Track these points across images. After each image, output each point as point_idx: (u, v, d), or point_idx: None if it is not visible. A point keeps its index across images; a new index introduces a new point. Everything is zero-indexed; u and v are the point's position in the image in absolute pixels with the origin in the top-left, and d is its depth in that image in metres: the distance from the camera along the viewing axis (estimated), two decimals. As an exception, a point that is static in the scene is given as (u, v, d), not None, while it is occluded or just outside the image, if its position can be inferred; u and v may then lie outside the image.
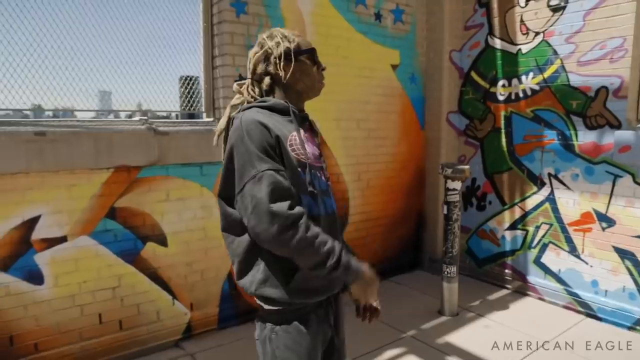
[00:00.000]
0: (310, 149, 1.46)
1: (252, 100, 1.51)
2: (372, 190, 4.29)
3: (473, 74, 4.35)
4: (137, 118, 3.20)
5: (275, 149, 1.36)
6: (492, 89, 4.20)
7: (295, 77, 1.48)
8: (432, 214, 4.63)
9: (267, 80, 1.50)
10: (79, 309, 2.84)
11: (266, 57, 1.49)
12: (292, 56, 1.46)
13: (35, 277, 2.69)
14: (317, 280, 1.39)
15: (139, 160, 2.95)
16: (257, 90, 1.53)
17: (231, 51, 3.28)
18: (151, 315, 3.11)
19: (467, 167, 3.44)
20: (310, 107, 3.70)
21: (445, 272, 3.60)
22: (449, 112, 4.48)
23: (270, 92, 1.52)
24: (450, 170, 3.42)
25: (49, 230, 2.71)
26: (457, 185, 3.46)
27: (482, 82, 4.28)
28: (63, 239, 2.76)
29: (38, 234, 2.68)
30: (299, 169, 1.39)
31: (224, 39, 3.28)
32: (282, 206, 1.30)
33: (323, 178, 1.48)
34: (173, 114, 3.47)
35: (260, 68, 1.50)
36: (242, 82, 1.57)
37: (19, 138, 2.57)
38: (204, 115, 3.47)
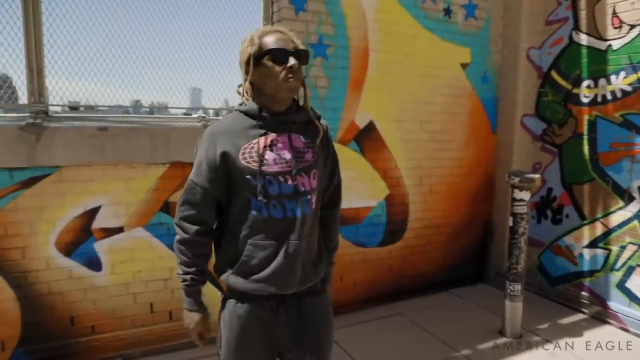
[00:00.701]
0: (273, 155, 1.50)
1: (245, 102, 1.56)
2: (435, 196, 4.06)
3: (553, 74, 3.95)
4: (195, 115, 3.29)
5: (215, 163, 1.49)
6: (575, 90, 3.78)
7: (261, 81, 1.50)
8: (500, 224, 4.28)
9: (246, 84, 1.54)
10: (132, 297, 2.97)
11: (240, 64, 1.55)
12: (251, 61, 1.48)
13: (94, 263, 2.85)
14: (254, 274, 1.52)
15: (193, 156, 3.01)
16: (249, 92, 1.56)
17: (288, 49, 3.24)
18: (200, 308, 3.17)
19: (537, 176, 3.12)
20: (371, 107, 3.60)
21: (509, 290, 3.29)
22: (524, 114, 4.11)
23: (254, 95, 1.56)
24: (518, 179, 3.12)
25: (107, 221, 2.85)
26: (526, 195, 3.14)
27: (563, 83, 3.87)
28: (120, 230, 2.90)
29: (98, 223, 2.83)
30: (249, 176, 1.47)
31: (282, 37, 3.25)
32: (182, 210, 1.55)
33: (289, 182, 1.51)
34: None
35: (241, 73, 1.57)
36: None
37: (83, 132, 2.73)
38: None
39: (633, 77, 3.38)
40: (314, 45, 3.34)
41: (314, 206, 1.57)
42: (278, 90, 1.48)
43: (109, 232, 2.87)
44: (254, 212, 1.50)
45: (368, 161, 3.70)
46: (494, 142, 4.30)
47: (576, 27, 3.75)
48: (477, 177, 4.27)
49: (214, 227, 1.62)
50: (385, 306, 3.82)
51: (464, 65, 4.02)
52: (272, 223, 1.50)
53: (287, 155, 1.51)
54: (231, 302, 1.58)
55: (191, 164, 3.00)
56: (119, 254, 2.91)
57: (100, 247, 2.86)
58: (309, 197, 1.54)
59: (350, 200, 3.62)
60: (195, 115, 3.26)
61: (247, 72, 1.49)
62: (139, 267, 2.97)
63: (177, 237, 1.56)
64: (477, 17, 4.02)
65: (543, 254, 4.11)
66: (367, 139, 3.66)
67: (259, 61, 1.47)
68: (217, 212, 1.59)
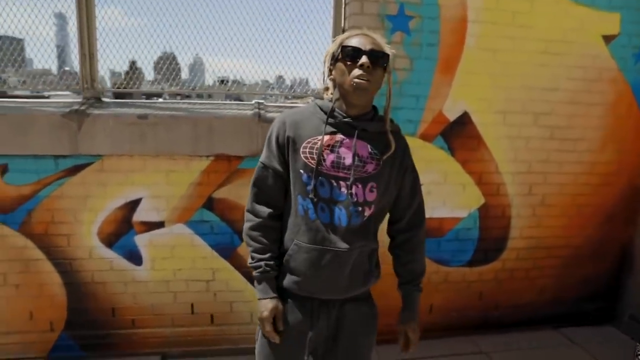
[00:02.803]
0: (333, 157, 1.45)
1: (329, 95, 1.54)
2: (549, 210, 3.16)
3: None
4: (253, 101, 2.93)
5: (283, 147, 1.48)
6: None
7: (338, 80, 1.46)
8: (646, 253, 3.20)
9: (329, 82, 1.52)
10: (172, 295, 2.81)
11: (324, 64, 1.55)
12: (330, 60, 1.48)
13: (134, 257, 2.73)
14: (296, 275, 1.50)
15: (240, 149, 2.68)
16: (330, 90, 1.54)
17: (360, 23, 2.66)
18: (244, 315, 2.90)
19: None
20: (467, 94, 2.88)
21: None
22: (699, 107, 2.93)
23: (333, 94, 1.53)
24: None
25: (148, 214, 2.69)
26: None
27: None
28: (161, 224, 2.72)
29: (138, 216, 2.69)
30: (302, 171, 1.46)
31: (353, 7, 2.69)
32: (253, 193, 1.55)
33: (342, 189, 1.45)
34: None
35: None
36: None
37: (124, 120, 2.56)
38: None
39: None
40: (393, 17, 2.70)
41: (366, 218, 1.49)
42: (347, 89, 1.42)
43: (150, 226, 2.71)
44: (301, 212, 1.47)
45: (459, 162, 2.97)
46: (647, 143, 3.18)
47: None
48: (616, 190, 3.22)
49: None
50: (467, 339, 3.13)
51: (607, 38, 2.97)
52: (318, 226, 1.46)
53: (348, 160, 1.46)
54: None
55: (239, 158, 2.73)
56: (160, 249, 2.74)
57: (141, 240, 2.72)
58: (360, 208, 1.47)
59: (432, 208, 2.96)
60: (253, 102, 2.90)
61: (329, 72, 1.49)
62: (180, 265, 2.78)
63: (248, 225, 1.53)
64: (636, -31, 2.91)
65: None
66: (459, 134, 2.93)
67: (337, 60, 1.44)
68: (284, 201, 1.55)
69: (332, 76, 1.48)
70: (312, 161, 1.44)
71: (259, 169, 1.53)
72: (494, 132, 2.97)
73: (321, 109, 1.50)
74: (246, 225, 1.54)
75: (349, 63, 1.41)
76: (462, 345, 3.07)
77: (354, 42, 1.42)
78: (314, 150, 1.44)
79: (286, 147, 1.48)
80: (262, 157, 1.53)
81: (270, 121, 2.70)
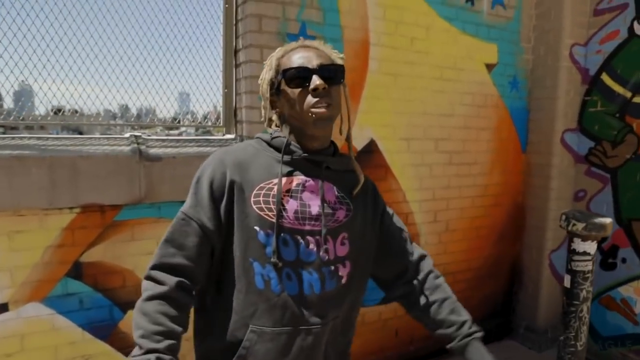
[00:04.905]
0: (295, 205, 1.12)
1: (268, 128, 1.23)
2: (453, 235, 3.16)
3: (605, 78, 3.08)
4: (127, 134, 2.34)
5: (221, 196, 1.11)
6: (636, 99, 2.92)
7: (285, 111, 1.15)
8: (532, 267, 3.40)
9: (273, 116, 1.21)
10: (25, 405, 2.02)
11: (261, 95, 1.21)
12: (269, 89, 1.16)
13: (-40, 361, 1.90)
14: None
15: (116, 196, 2.07)
16: (276, 123, 1.22)
17: (258, 41, 2.33)
18: (131, 410, 2.23)
19: (609, 220, 2.22)
20: (372, 121, 2.68)
21: (563, 374, 2.39)
22: (565, 130, 3.23)
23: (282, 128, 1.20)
24: (583, 225, 2.21)
25: (-20, 296, 1.90)
26: (591, 247, 2.24)
27: (619, 89, 3.00)
28: (3, 308, 1.94)
29: (-36, 301, 1.88)
30: (256, 228, 1.09)
31: (249, 24, 2.33)
32: (162, 253, 1.09)
33: (312, 246, 1.12)
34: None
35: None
36: None
37: None
38: (223, 131, 2.55)
39: None
40: (294, 35, 2.42)
41: (344, 280, 1.17)
42: (304, 122, 1.11)
43: (-16, 312, 1.92)
44: (260, 285, 1.10)
45: (368, 193, 2.78)
46: (524, 164, 3.41)
47: (639, 16, 2.89)
48: (504, 210, 3.38)
49: (196, 292, 1.14)
50: (390, 383, 2.91)
51: (489, 67, 3.14)
52: (286, 301, 1.11)
53: (315, 208, 1.14)
54: None
55: (115, 207, 2.12)
56: (3, 343, 1.95)
57: (-30, 336, 1.90)
58: (333, 268, 1.15)
59: (344, 245, 2.70)
60: (127, 135, 2.31)
61: (272, 105, 1.18)
62: (35, 361, 2.02)
63: (144, 295, 1.06)
64: (506, 5, 3.13)
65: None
66: (366, 164, 2.74)
67: (280, 88, 1.14)
68: (206, 272, 1.14)
69: (277, 109, 1.18)
70: (269, 213, 1.10)
71: (178, 222, 1.11)
72: (399, 160, 2.87)
73: (269, 145, 1.17)
74: (143, 295, 1.06)
75: (297, 90, 1.09)
76: (387, 391, 2.83)
77: (296, 60, 1.11)
78: (270, 199, 1.11)
79: (226, 197, 1.10)
80: (185, 207, 1.13)
81: (154, 159, 2.18)
